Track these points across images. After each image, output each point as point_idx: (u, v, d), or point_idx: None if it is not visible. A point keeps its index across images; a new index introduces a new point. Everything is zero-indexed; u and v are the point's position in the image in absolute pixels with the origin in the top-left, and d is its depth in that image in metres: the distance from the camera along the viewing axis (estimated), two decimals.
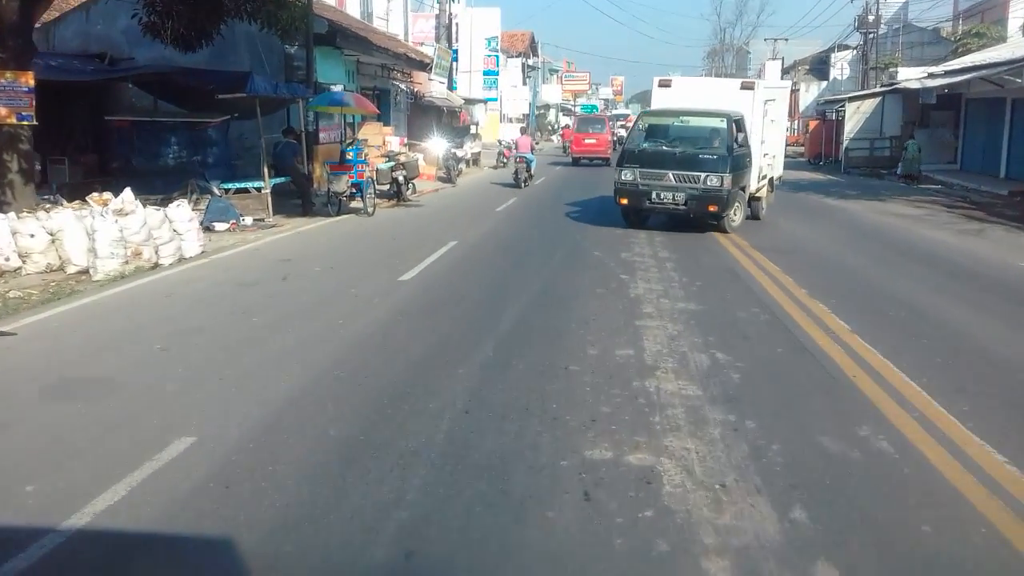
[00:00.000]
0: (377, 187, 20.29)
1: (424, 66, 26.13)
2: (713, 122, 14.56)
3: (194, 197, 14.86)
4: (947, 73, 29.88)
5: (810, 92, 60.58)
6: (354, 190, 16.97)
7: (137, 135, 15.69)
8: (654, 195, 14.07)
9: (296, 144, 17.33)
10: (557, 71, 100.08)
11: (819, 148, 37.89)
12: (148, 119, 15.75)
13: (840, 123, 35.63)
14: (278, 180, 16.98)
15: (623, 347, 7.06)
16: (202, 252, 12.12)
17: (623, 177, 14.38)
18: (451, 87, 35.90)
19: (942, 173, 28.90)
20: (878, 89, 34.14)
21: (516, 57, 64.89)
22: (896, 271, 11.26)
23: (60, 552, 3.75)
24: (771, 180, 17.38)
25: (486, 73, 48.67)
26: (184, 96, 16.72)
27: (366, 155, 18.68)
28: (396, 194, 19.96)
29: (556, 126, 76.67)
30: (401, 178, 19.78)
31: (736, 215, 14.51)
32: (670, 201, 14.04)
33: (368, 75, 25.18)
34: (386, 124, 27.38)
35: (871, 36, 46.26)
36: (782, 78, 64.97)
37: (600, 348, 7.03)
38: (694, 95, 15.58)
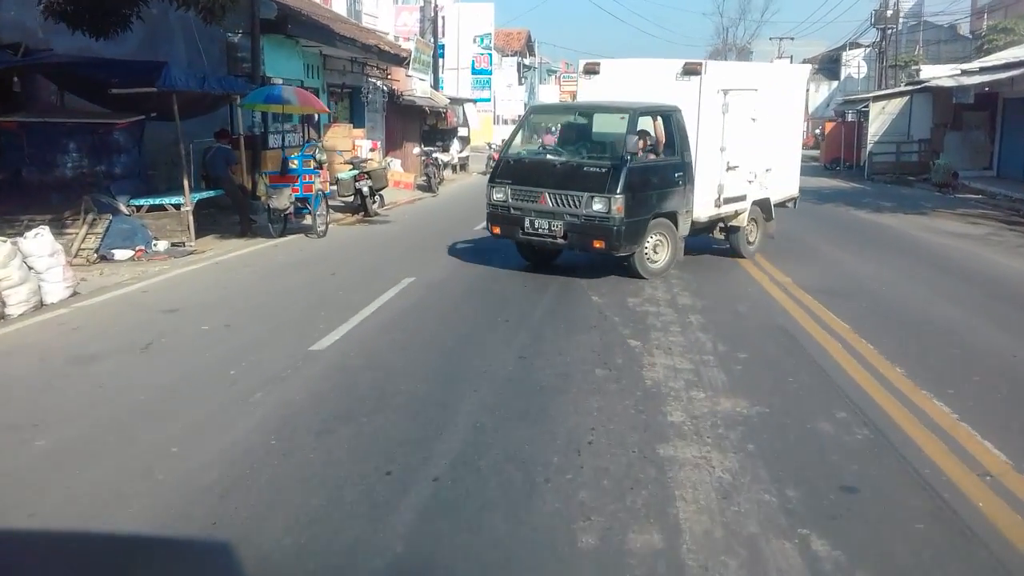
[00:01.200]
0: (342, 199, 17.33)
1: (401, 60, 23.14)
2: (613, 120, 10.35)
3: (90, 217, 11.83)
4: (983, 70, 26.89)
5: (820, 92, 57.57)
6: (301, 206, 13.94)
7: (29, 140, 12.64)
8: (527, 223, 9.90)
9: (230, 150, 14.30)
10: (555, 71, 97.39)
11: (837, 152, 34.90)
12: (39, 120, 12.69)
13: (861, 125, 32.62)
14: (208, 194, 13.95)
15: (641, 525, 3.99)
16: (72, 295, 9.11)
17: (494, 197, 10.33)
18: (437, 86, 32.85)
19: (978, 180, 25.92)
20: (905, 88, 31.12)
21: (511, 56, 61.97)
22: (1012, 330, 8.21)
23: None
24: (768, 205, 12.23)
25: (478, 72, 45.73)
26: (99, 93, 13.66)
27: (322, 162, 15.64)
28: (361, 208, 16.94)
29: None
30: (366, 189, 16.77)
31: (658, 255, 10.19)
32: (546, 232, 9.80)
33: (337, 70, 22.16)
34: (358, 126, 24.37)
35: (889, 32, 43.31)
36: None
37: (599, 529, 3.97)
38: (628, 84, 10.93)
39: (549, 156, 10.56)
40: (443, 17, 33.55)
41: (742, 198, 11.50)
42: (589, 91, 11.58)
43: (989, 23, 40.11)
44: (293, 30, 17.08)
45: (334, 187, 17.01)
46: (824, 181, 29.78)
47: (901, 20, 43.28)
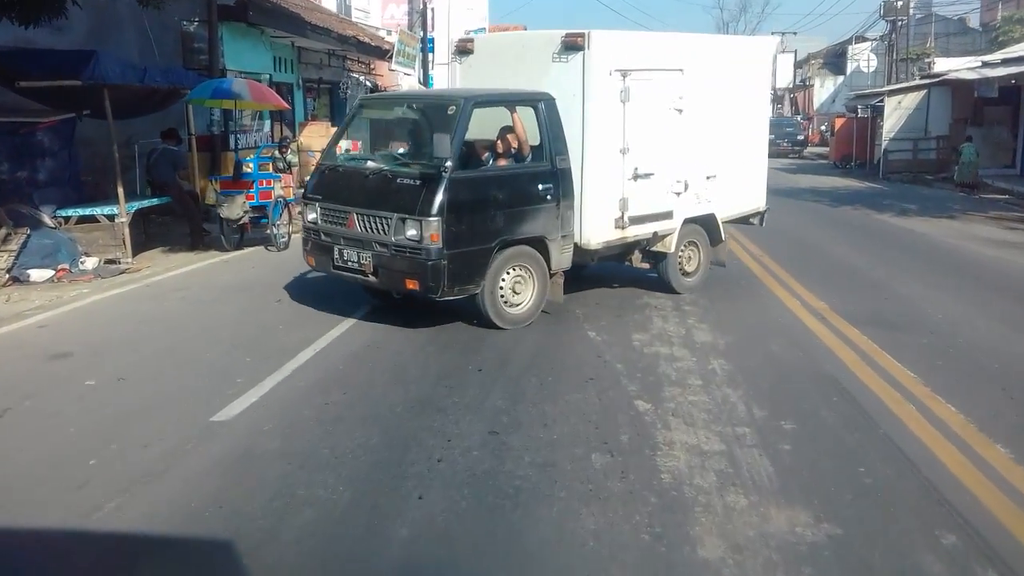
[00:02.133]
0: None
1: (383, 53, 21.38)
2: (443, 113, 7.41)
3: (2, 232, 10.10)
4: (1006, 62, 25.12)
5: (825, 88, 55.95)
6: (259, 215, 12.22)
7: None
8: (336, 253, 7.47)
9: (177, 151, 12.56)
10: None
11: (848, 149, 33.10)
12: None
13: (875, 121, 30.84)
14: (151, 202, 12.22)
15: None
16: None
17: (307, 217, 7.93)
18: (426, 81, 31.08)
19: (1001, 179, 24.17)
20: (922, 81, 29.36)
21: None
22: None
23: None
24: (714, 223, 9.21)
25: None
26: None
27: (291, 164, 13.93)
28: None
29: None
30: None
31: (519, 297, 7.52)
32: (356, 266, 7.31)
33: (313, 64, 20.41)
34: (338, 124, 22.63)
35: (900, 24, 41.56)
36: (795, 72, 60.46)
37: None
38: (511, 67, 8.20)
39: (370, 163, 7.77)
40: (432, 10, 31.76)
41: (665, 215, 8.52)
42: (465, 77, 8.75)
43: (1004, 14, 38.34)
44: (256, 18, 15.33)
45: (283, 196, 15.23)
46: (836, 180, 28.05)
47: (911, 12, 41.50)
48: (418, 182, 6.95)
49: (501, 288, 7.35)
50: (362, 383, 6.02)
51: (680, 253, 8.98)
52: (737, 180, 9.54)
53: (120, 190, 11.02)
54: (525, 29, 70.47)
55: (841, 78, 54.89)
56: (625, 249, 8.68)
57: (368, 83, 24.27)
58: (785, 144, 42.85)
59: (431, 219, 6.78)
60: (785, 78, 61.22)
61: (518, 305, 7.52)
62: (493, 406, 5.53)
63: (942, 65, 32.51)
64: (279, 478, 4.41)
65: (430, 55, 31.49)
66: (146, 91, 12.06)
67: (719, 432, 5.09)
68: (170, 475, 4.47)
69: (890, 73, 41.18)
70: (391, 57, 21.16)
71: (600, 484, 4.37)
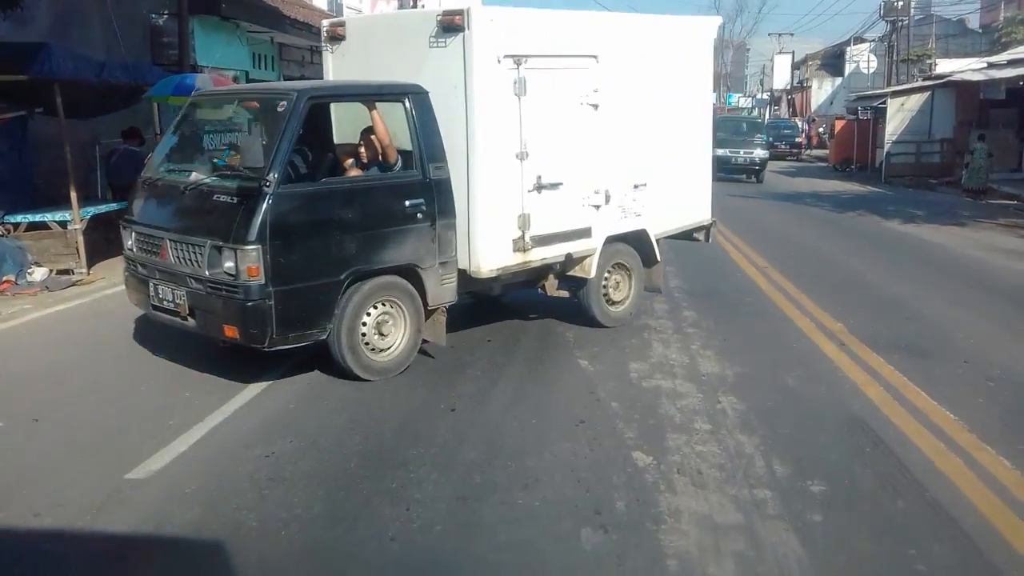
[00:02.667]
0: None
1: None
2: (272, 112, 5.93)
3: None
4: (1012, 63, 24.34)
5: (823, 89, 55.18)
6: None
7: None
8: (152, 291, 6.06)
9: (140, 152, 11.67)
10: None
11: (848, 152, 32.29)
12: None
13: (876, 123, 30.05)
14: (109, 207, 11.33)
15: None
16: None
17: (126, 245, 6.56)
18: None
19: (1007, 183, 23.40)
20: (926, 83, 28.56)
21: None
22: None
23: None
24: (646, 241, 7.70)
25: None
26: None
27: None
28: None
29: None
30: None
31: (386, 341, 6.06)
32: (172, 306, 5.89)
33: (295, 61, 19.53)
34: None
35: (900, 24, 40.82)
36: (792, 73, 59.73)
37: None
38: (389, 55, 6.67)
39: (194, 175, 6.03)
40: (423, 6, 30.89)
41: (580, 234, 7.00)
42: (338, 69, 7.14)
43: (1006, 15, 37.64)
44: (229, 11, 14.47)
45: None
46: (838, 184, 27.26)
47: (911, 12, 40.74)
48: (235, 199, 5.44)
49: (363, 331, 5.88)
50: (313, 428, 5.14)
51: (605, 278, 7.46)
52: (674, 189, 8.02)
53: (73, 194, 10.15)
54: None
55: (839, 80, 54.15)
56: (534, 275, 7.16)
57: None
58: (783, 146, 42.09)
59: (248, 248, 5.24)
60: (782, 79, 60.58)
61: (386, 351, 6.03)
62: (465, 459, 4.67)
63: (944, 67, 31.77)
64: (187, 566, 3.54)
65: None
66: (105, 88, 11.18)
67: (734, 497, 4.23)
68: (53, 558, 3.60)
69: (890, 75, 40.45)
70: None
71: (592, 573, 3.51)
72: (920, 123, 27.49)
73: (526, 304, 8.12)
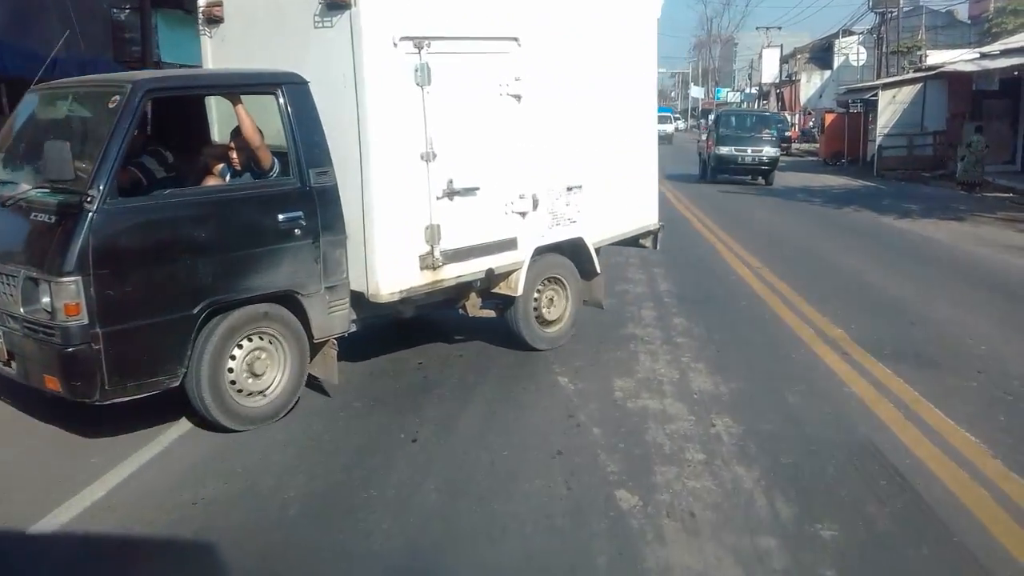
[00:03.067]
0: None
1: None
2: (103, 107, 4.67)
3: None
4: (1005, 53, 23.86)
5: (812, 83, 54.68)
6: None
7: None
8: None
9: None
10: None
11: (839, 146, 31.79)
12: None
13: (867, 116, 29.56)
14: None
15: None
16: None
17: None
18: None
19: (1002, 176, 22.95)
20: (918, 74, 28.06)
21: None
22: None
23: None
24: (583, 251, 6.74)
25: None
26: None
27: None
28: None
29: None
30: None
31: (262, 383, 5.01)
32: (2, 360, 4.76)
33: None
34: None
35: (889, 16, 40.35)
36: (781, 67, 59.31)
37: None
38: (271, 40, 5.65)
39: (23, 185, 4.71)
40: None
41: (504, 245, 6.04)
42: (216, 56, 6.10)
43: (997, 4, 37.20)
44: (194, 4, 13.76)
45: None
46: (829, 178, 26.74)
47: (900, 3, 40.24)
48: (54, 219, 4.41)
49: (231, 372, 4.87)
50: (253, 464, 4.53)
51: (535, 295, 6.49)
52: (615, 190, 7.05)
53: None
54: None
55: (828, 73, 53.68)
56: (452, 294, 6.14)
57: None
58: None
59: (64, 280, 4.21)
60: (771, 73, 60.13)
61: (261, 394, 5.01)
62: (424, 503, 4.07)
63: (935, 58, 31.26)
64: None
65: None
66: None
67: (733, 547, 3.64)
68: None
69: (880, 67, 39.98)
70: None
71: None
72: (912, 115, 27.00)
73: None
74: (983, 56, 25.05)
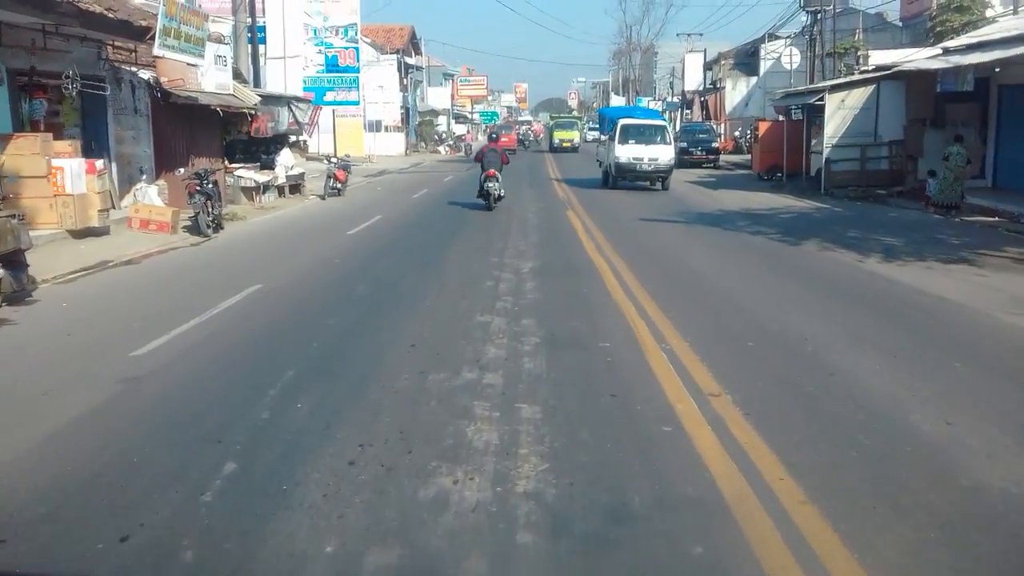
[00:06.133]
0: None
1: (138, 32, 14.52)
2: None
3: None
4: (975, 47, 19.97)
5: (738, 90, 51.18)
6: None
7: None
8: None
9: None
10: (453, 75, 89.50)
11: (776, 159, 27.76)
12: None
13: (810, 123, 25.54)
14: None
15: None
16: None
17: None
18: (256, 79, 24.33)
19: (973, 193, 19.02)
20: (872, 74, 24.06)
21: (390, 55, 53.93)
22: None
23: None
24: None
25: (342, 69, 37.56)
26: None
27: None
28: None
29: (446, 135, 65.67)
30: None
31: None
32: None
33: (22, 46, 13.59)
34: (92, 135, 15.94)
35: (821, 16, 36.86)
36: (705, 74, 55.81)
37: None
38: None
39: None
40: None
41: None
42: None
43: (939, 2, 33.82)
44: None
45: None
46: (770, 197, 22.56)
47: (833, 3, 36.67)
48: None
49: None
50: None
51: None
52: None
53: None
54: (413, 30, 63.31)
55: (755, 79, 50.28)
56: None
57: (147, 79, 17.47)
58: (699, 152, 37.74)
59: None
60: (694, 80, 56.52)
61: None
62: None
63: (879, 59, 27.47)
64: None
65: (261, 46, 24.82)
66: None
67: None
68: None
69: (813, 70, 36.41)
70: (152, 36, 14.46)
71: None
72: (864, 123, 23.01)
73: None
74: (948, 51, 21.15)
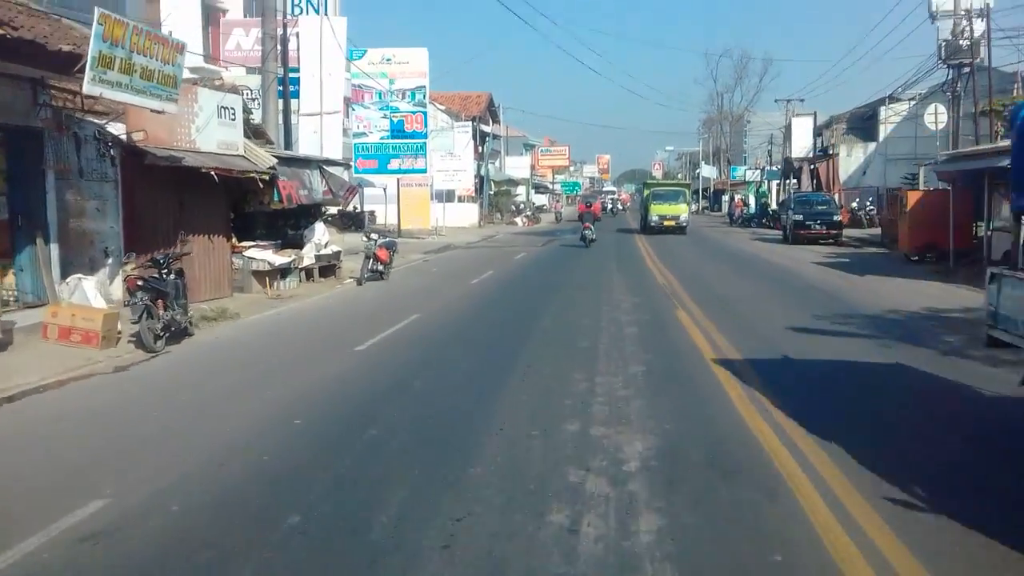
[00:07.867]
0: None
1: (67, 63, 9.88)
2: None
3: None
4: None
5: (853, 156, 45.28)
6: None
7: None
8: None
9: None
10: (534, 145, 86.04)
11: (934, 235, 21.82)
12: None
13: (991, 193, 19.55)
14: None
15: None
16: None
17: None
18: (288, 138, 19.90)
19: None
20: None
21: (465, 122, 49.99)
22: None
23: None
24: None
25: (408, 135, 33.57)
26: None
27: None
28: None
29: (524, 206, 61.30)
30: None
31: None
32: None
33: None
34: (4, 207, 11.47)
35: (966, 69, 31.14)
36: (815, 140, 50.22)
37: None
38: None
39: None
40: (297, 35, 20.74)
41: None
42: None
43: None
44: None
45: None
46: (946, 289, 16.58)
47: (982, 51, 30.81)
48: None
49: None
50: None
51: None
52: None
53: None
54: (490, 97, 59.15)
55: (873, 144, 44.35)
56: None
57: (124, 136, 12.97)
58: (817, 227, 32.02)
59: None
60: (802, 146, 50.71)
61: None
62: None
63: None
64: None
65: (293, 101, 20.43)
66: None
67: None
68: None
69: (958, 132, 30.48)
70: (81, 68, 9.87)
71: None
72: None
73: None
74: None
